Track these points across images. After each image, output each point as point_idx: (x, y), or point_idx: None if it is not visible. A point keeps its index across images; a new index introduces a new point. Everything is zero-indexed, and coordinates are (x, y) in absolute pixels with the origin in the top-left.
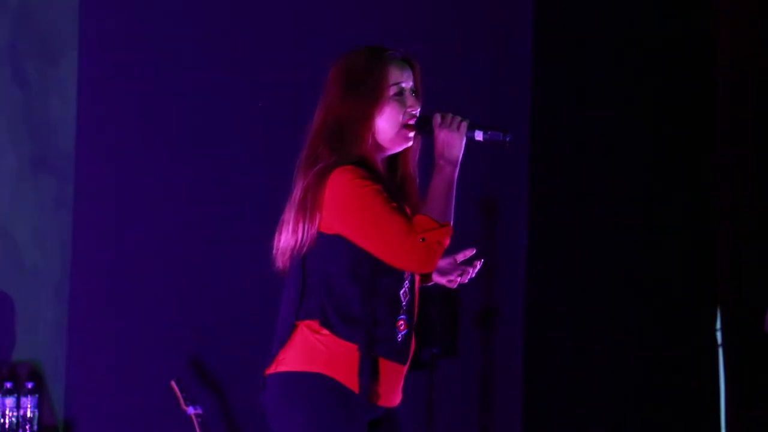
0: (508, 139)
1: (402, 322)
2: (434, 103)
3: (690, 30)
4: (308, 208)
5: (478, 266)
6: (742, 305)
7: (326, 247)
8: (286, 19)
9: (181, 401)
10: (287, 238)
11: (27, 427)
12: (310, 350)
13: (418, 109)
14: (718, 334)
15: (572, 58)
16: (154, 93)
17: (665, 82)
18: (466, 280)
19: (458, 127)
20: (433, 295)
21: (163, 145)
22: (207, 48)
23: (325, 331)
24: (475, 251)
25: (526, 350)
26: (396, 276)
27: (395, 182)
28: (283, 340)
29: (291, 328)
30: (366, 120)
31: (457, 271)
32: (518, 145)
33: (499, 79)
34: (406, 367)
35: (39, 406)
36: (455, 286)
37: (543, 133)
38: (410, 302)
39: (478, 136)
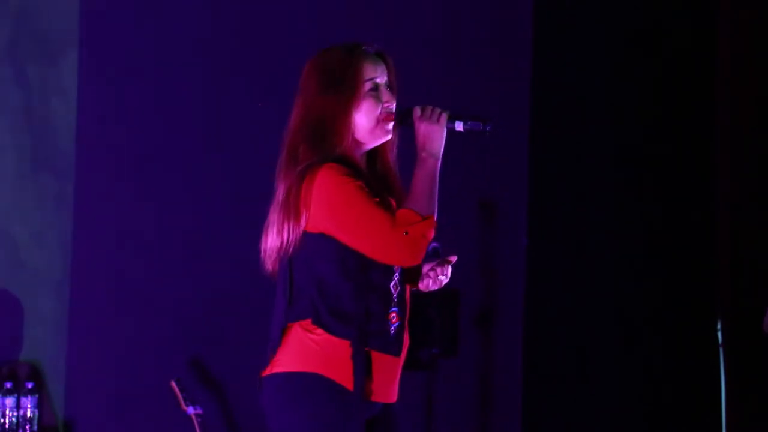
0: (488, 128)
1: (394, 314)
2: (434, 103)
3: (690, 30)
4: (293, 208)
5: (453, 260)
6: (742, 305)
7: (313, 247)
8: (287, 19)
9: (181, 401)
10: (273, 240)
11: (27, 427)
12: (303, 350)
13: (394, 104)
14: (718, 334)
15: (572, 58)
16: (154, 92)
17: (666, 83)
18: (444, 278)
19: (438, 119)
20: (432, 295)
21: (163, 145)
22: (207, 47)
23: (319, 330)
24: (456, 258)
25: (526, 350)
26: (385, 268)
27: (376, 176)
28: (277, 342)
29: (283, 330)
30: (344, 117)
31: (433, 273)
32: (518, 145)
33: (499, 79)
34: (401, 361)
35: (39, 406)
36: (438, 287)
37: (543, 133)
38: (401, 294)
39: (459, 126)
